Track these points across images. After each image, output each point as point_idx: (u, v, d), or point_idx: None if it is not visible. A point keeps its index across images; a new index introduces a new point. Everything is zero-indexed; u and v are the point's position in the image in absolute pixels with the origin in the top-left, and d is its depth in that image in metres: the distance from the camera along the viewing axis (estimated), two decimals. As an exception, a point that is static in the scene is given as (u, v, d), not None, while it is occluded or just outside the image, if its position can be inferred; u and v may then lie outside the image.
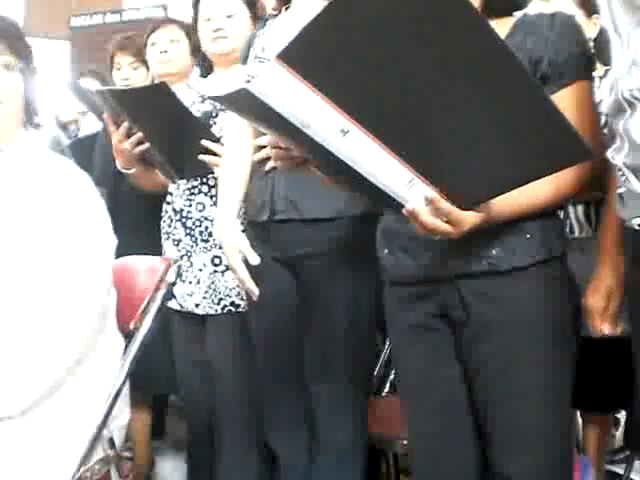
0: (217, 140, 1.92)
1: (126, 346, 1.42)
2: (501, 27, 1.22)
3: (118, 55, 2.70)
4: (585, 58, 1.24)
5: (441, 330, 1.30)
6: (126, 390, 1.42)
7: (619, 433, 2.55)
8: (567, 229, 2.11)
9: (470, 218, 1.09)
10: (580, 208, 2.11)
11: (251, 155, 1.76)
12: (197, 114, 1.98)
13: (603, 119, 1.51)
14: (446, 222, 1.06)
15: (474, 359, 1.27)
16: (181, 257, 2.01)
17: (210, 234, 1.97)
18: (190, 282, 2.00)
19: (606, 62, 1.29)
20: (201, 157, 1.92)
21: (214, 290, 1.97)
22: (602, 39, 1.24)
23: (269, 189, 1.69)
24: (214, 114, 1.99)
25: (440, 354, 1.31)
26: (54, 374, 1.27)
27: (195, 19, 2.07)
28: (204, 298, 1.98)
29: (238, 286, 1.90)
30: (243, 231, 1.73)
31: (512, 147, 0.99)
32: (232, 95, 0.91)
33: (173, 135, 1.93)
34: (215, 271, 1.97)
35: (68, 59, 6.26)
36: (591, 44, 1.97)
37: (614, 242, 1.25)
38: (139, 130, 1.98)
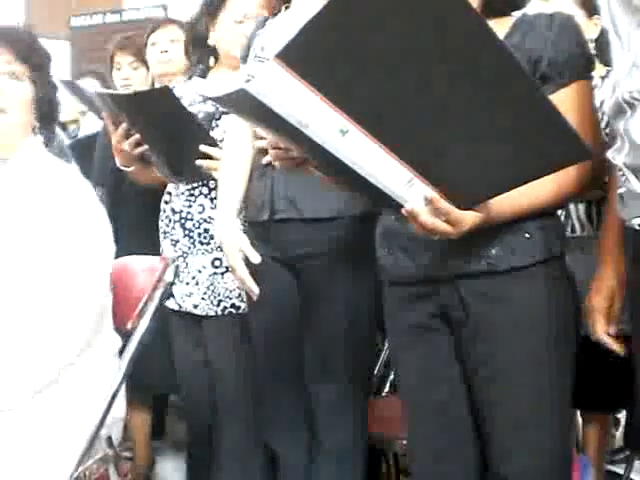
0: (216, 145, 1.92)
1: (124, 345, 1.43)
2: (500, 27, 1.21)
3: (118, 55, 2.70)
4: (584, 58, 1.24)
5: (441, 330, 1.30)
6: (123, 385, 1.42)
7: (619, 433, 2.55)
8: (568, 228, 2.11)
9: (469, 218, 1.09)
10: (581, 207, 2.10)
11: (251, 155, 1.76)
12: (198, 114, 1.98)
13: (605, 119, 1.51)
14: (445, 222, 1.06)
15: (473, 359, 1.27)
16: (178, 257, 2.01)
17: (211, 237, 1.97)
18: (187, 283, 2.00)
19: (608, 62, 1.29)
20: (199, 162, 1.91)
21: (213, 292, 1.97)
22: (603, 39, 1.24)
23: (269, 189, 1.69)
24: (217, 116, 1.98)
25: (440, 354, 1.31)
26: (52, 369, 1.28)
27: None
28: (203, 299, 1.98)
29: (238, 287, 1.89)
30: (244, 232, 1.72)
31: (511, 147, 0.99)
32: (231, 95, 0.91)
33: (173, 139, 1.93)
34: (215, 273, 1.97)
35: (68, 59, 6.26)
36: (592, 44, 1.98)
37: (615, 242, 1.25)
38: (138, 133, 1.97)
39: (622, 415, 2.40)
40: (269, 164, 1.63)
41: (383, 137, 0.95)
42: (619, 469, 2.16)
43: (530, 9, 1.31)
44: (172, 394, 2.67)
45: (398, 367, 1.42)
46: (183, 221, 2.01)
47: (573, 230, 2.12)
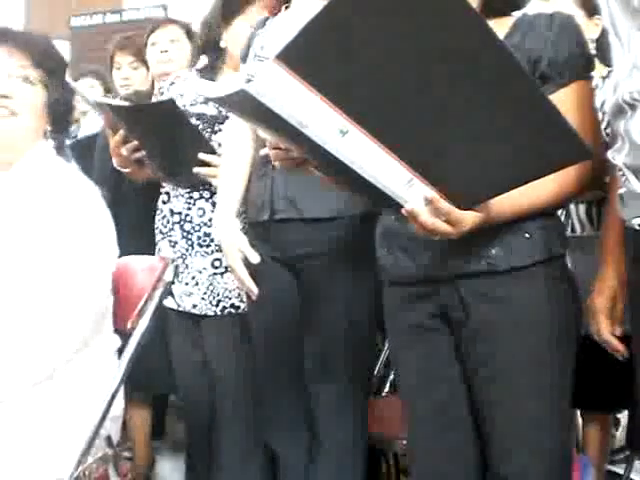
0: (215, 152, 1.91)
1: (124, 345, 1.43)
2: (500, 27, 1.21)
3: (118, 55, 2.70)
4: (584, 58, 1.24)
5: (441, 330, 1.30)
6: (122, 385, 1.43)
7: (619, 433, 2.55)
8: (568, 228, 2.11)
9: (470, 218, 1.09)
10: (582, 207, 2.11)
11: (251, 156, 1.76)
12: (200, 117, 1.98)
13: (606, 119, 1.51)
14: (445, 222, 1.06)
15: (473, 359, 1.27)
16: (177, 258, 2.00)
17: (211, 240, 1.97)
18: (187, 283, 2.00)
19: (609, 62, 1.29)
20: (197, 169, 1.91)
21: (212, 292, 1.97)
22: (604, 39, 1.23)
23: (269, 189, 1.69)
24: (220, 120, 1.97)
25: (440, 354, 1.31)
26: (46, 364, 1.29)
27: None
28: (202, 299, 1.98)
29: (238, 287, 1.89)
30: (245, 233, 1.72)
31: (511, 147, 0.99)
32: (231, 96, 0.91)
33: (172, 146, 1.93)
34: (214, 273, 1.97)
35: (68, 59, 6.25)
36: (593, 44, 1.98)
37: (616, 242, 1.25)
38: (136, 140, 1.97)
39: (622, 415, 2.40)
40: (269, 163, 1.63)
41: (383, 137, 0.95)
42: (619, 469, 2.16)
43: (530, 9, 1.31)
44: (172, 394, 2.67)
45: (398, 367, 1.42)
46: (182, 223, 2.01)
47: (573, 230, 2.12)
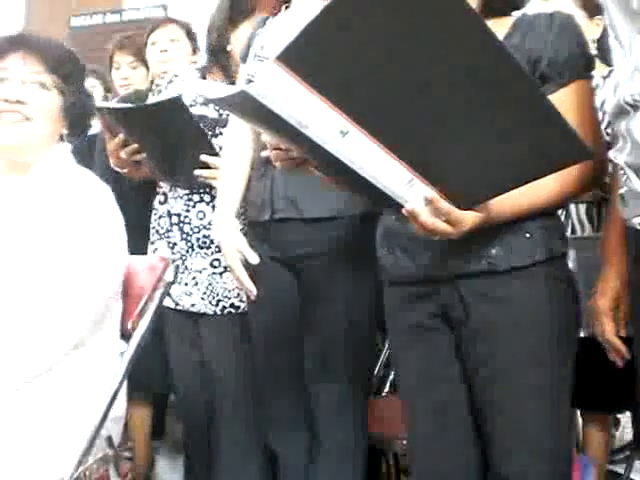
0: (217, 154, 1.91)
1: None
2: (500, 27, 1.22)
3: (117, 54, 2.70)
4: (584, 58, 1.24)
5: (441, 330, 1.30)
6: (123, 385, 1.43)
7: (619, 433, 2.55)
8: (569, 228, 2.11)
9: (470, 218, 1.09)
10: (582, 208, 2.11)
11: (251, 157, 1.76)
12: (201, 118, 1.97)
13: (606, 119, 1.51)
14: (446, 222, 1.06)
15: (473, 359, 1.27)
16: (176, 259, 2.00)
17: (211, 241, 1.96)
18: (186, 284, 1.99)
19: (610, 62, 1.29)
20: (197, 172, 1.91)
21: (211, 291, 1.97)
22: (605, 39, 1.23)
23: (269, 189, 1.69)
24: (222, 123, 1.96)
25: (440, 354, 1.31)
26: (42, 359, 1.30)
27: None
28: (202, 299, 1.98)
29: (237, 288, 1.89)
30: (244, 234, 1.72)
31: (511, 147, 0.99)
32: (231, 97, 0.91)
33: (173, 148, 1.92)
34: (214, 273, 1.97)
35: (68, 59, 6.24)
36: (593, 44, 1.98)
37: (618, 243, 1.25)
38: (136, 143, 1.97)
39: (622, 415, 2.40)
40: (269, 163, 1.63)
41: (383, 137, 0.95)
42: (619, 469, 2.16)
43: (530, 9, 1.31)
44: (172, 394, 2.67)
45: (398, 367, 1.42)
46: (181, 225, 2.01)
47: (573, 230, 2.12)
